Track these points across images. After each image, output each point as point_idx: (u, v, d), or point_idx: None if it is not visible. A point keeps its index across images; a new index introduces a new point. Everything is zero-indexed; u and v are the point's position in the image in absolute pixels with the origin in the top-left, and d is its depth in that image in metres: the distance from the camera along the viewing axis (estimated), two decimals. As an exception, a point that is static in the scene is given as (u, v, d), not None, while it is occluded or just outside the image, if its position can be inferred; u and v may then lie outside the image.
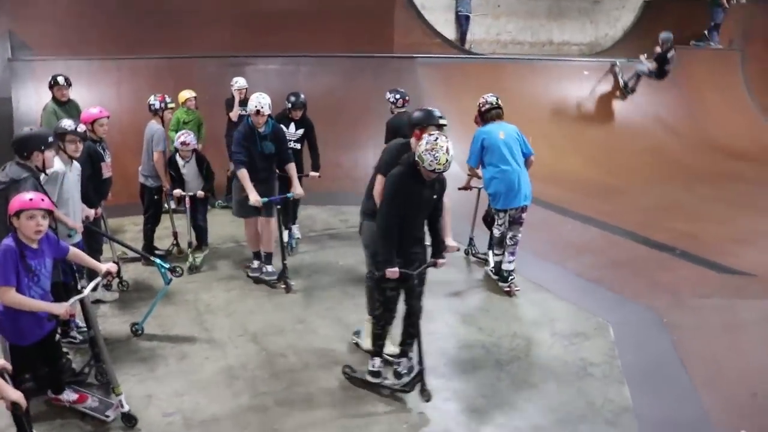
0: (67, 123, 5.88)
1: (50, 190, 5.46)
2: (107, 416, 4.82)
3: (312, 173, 8.28)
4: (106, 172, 6.77)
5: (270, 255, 7.44)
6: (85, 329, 5.97)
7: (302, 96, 8.23)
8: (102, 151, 6.66)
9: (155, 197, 7.92)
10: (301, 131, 8.29)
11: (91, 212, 6.26)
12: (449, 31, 17.86)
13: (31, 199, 4.22)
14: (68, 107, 8.47)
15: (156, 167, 7.74)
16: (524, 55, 17.95)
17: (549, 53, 19.14)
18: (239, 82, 9.96)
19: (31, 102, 10.74)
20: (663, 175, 11.85)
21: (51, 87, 8.52)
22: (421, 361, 5.04)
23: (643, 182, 11.40)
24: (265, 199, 6.89)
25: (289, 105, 8.15)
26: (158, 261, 6.01)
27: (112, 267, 4.86)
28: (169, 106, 8.02)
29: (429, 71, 13.34)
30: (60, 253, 4.60)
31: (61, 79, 8.53)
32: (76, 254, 4.79)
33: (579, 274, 7.59)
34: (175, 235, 8.26)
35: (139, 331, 6.13)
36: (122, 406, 4.78)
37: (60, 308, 4.34)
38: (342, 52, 13.00)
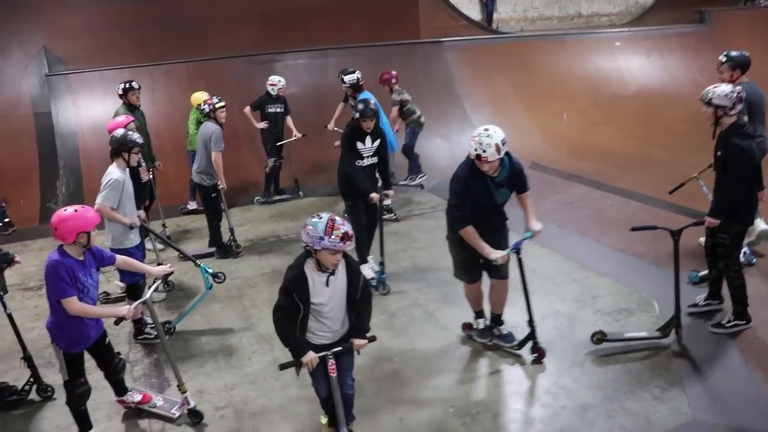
0: (137, 135, 6.18)
1: (113, 196, 5.70)
2: (173, 414, 4.97)
3: (387, 192, 7.15)
4: (144, 177, 7.01)
5: (500, 316, 5.78)
6: (153, 324, 6.26)
7: (373, 101, 6.98)
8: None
9: (213, 195, 8.10)
10: (377, 143, 6.95)
11: (142, 213, 6.50)
12: (474, 12, 17.78)
13: (91, 217, 4.40)
14: (138, 113, 8.61)
15: (215, 166, 7.91)
16: (553, 30, 17.76)
17: (578, 26, 18.89)
18: (281, 81, 10.14)
19: (70, 114, 11.09)
20: (703, 144, 11.55)
21: (125, 92, 8.56)
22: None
23: (683, 152, 11.16)
24: (508, 250, 5.28)
25: (357, 115, 6.79)
26: (203, 266, 6.14)
27: (168, 269, 5.04)
28: (218, 105, 8.07)
29: (457, 54, 13.28)
30: (106, 263, 4.74)
31: (135, 84, 8.64)
32: (126, 261, 4.96)
33: (621, 250, 7.51)
34: (231, 231, 8.43)
35: (171, 330, 6.26)
36: (188, 402, 4.93)
37: (125, 311, 4.51)
38: (369, 42, 13.04)
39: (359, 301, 4.15)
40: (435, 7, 15.66)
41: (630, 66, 14.50)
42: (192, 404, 4.93)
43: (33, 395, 5.28)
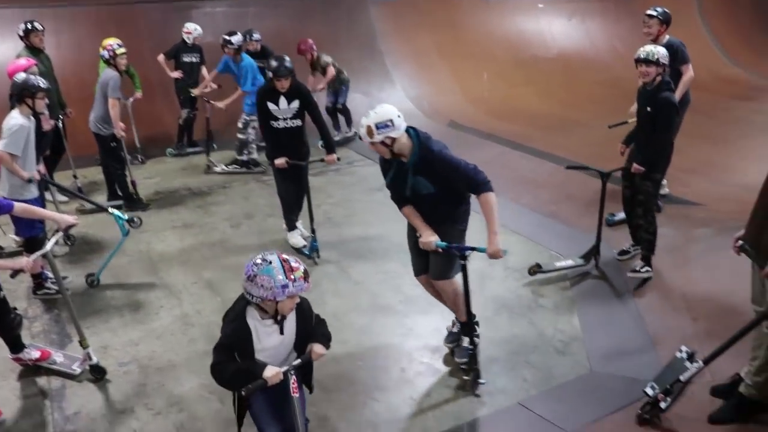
0: (41, 79, 5.73)
1: (16, 143, 5.35)
2: (74, 370, 4.80)
3: (328, 157, 6.63)
4: (45, 126, 6.60)
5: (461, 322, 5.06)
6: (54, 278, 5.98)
7: (287, 60, 6.33)
8: None
9: (112, 144, 7.74)
10: (296, 104, 6.35)
11: (41, 167, 6.11)
12: (401, -32, 17.48)
13: None
14: (42, 57, 8.01)
15: (111, 113, 7.51)
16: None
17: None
18: (197, 29, 9.81)
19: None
20: (620, 108, 11.86)
21: (27, 34, 7.90)
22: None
23: (600, 115, 11.42)
24: (440, 243, 4.55)
25: (271, 74, 6.34)
26: (116, 213, 5.91)
27: (72, 219, 4.73)
28: (118, 52, 7.69)
29: (381, 10, 13.13)
30: (2, 211, 4.47)
31: (39, 25, 7.97)
32: (26, 209, 4.65)
33: (534, 209, 7.67)
34: (133, 184, 8.13)
35: (95, 282, 6.08)
36: (90, 358, 4.77)
37: (24, 262, 4.27)
38: (291, -6, 12.67)
39: (314, 330, 3.48)
40: (360, -40, 15.35)
41: (552, 29, 14.70)
42: (94, 360, 4.77)
43: None
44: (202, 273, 6.34)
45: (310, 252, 6.63)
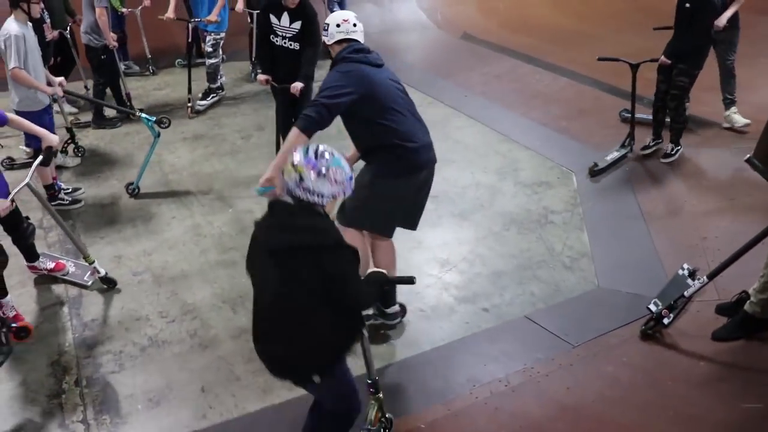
0: None
1: (16, 57, 5.27)
2: (86, 281, 4.90)
3: (292, 85, 5.81)
4: (48, 35, 6.45)
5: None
6: (71, 190, 6.04)
7: None
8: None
9: (102, 56, 7.47)
10: (297, 25, 5.82)
11: (63, 81, 5.89)
12: None
13: None
14: None
15: (99, 23, 7.20)
16: None
17: None
18: None
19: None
20: (637, 22, 11.50)
21: None
22: None
23: (616, 29, 11.11)
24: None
25: None
26: (144, 115, 5.96)
27: (56, 139, 4.64)
28: None
29: None
30: None
31: None
32: (18, 122, 4.57)
33: (545, 124, 7.59)
34: (128, 96, 8.05)
35: (136, 190, 6.15)
36: (98, 271, 4.85)
37: (2, 204, 4.17)
38: None
39: None
40: None
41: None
42: (102, 272, 4.86)
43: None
44: (213, 184, 6.37)
45: None
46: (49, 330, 4.47)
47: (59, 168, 6.48)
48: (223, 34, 8.08)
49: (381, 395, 3.29)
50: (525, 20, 11.74)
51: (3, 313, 4.36)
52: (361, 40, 4.03)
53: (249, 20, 9.06)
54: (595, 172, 6.36)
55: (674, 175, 6.24)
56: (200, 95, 8.33)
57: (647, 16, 11.74)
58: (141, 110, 6.65)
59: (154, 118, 6.08)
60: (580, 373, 4.03)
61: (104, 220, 5.81)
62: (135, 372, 4.11)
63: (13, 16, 5.42)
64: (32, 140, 5.55)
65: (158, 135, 6.12)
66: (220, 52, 8.35)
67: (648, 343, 4.20)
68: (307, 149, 2.77)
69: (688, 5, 6.04)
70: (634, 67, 6.45)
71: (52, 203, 5.89)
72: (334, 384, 2.96)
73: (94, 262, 4.84)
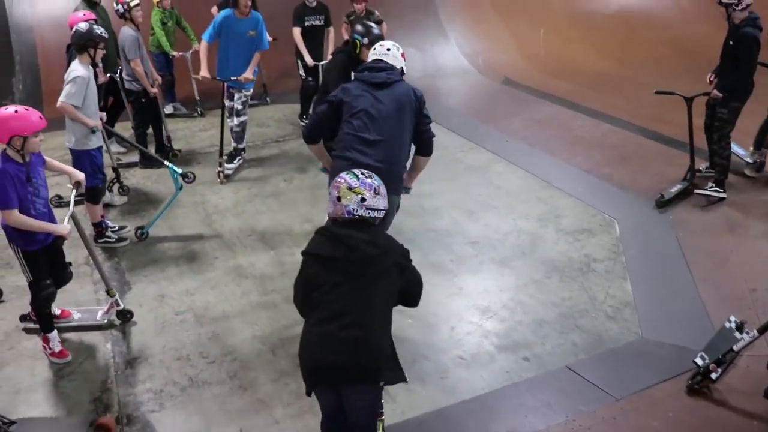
0: (102, 29, 5.81)
1: (78, 93, 5.49)
2: (100, 320, 4.95)
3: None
4: (101, 78, 6.72)
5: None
6: (117, 228, 6.21)
7: None
8: None
9: (143, 101, 7.71)
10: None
11: (103, 115, 6.20)
12: None
13: (40, 118, 4.18)
14: (99, 10, 7.94)
15: (136, 74, 7.43)
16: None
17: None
18: None
19: (26, 6, 10.44)
20: (679, 67, 11.48)
21: None
22: None
23: (658, 74, 11.09)
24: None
25: None
26: (171, 166, 6.02)
27: (79, 176, 4.72)
28: (132, 4, 7.47)
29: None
30: (42, 162, 4.56)
31: None
32: (51, 164, 4.67)
33: (587, 171, 7.54)
34: (168, 139, 8.25)
35: (144, 236, 6.21)
36: (118, 305, 4.93)
37: (64, 229, 4.38)
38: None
39: None
40: None
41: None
42: (121, 305, 4.95)
43: None
44: (256, 226, 6.45)
45: None
46: (91, 367, 4.53)
47: (106, 206, 6.64)
48: (251, 91, 7.90)
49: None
50: (566, 66, 11.78)
51: (49, 348, 4.51)
52: (390, 60, 4.55)
53: (305, 75, 8.93)
54: (661, 204, 6.51)
55: (721, 222, 6.14)
56: (226, 158, 7.66)
57: (689, 61, 11.74)
58: (176, 152, 6.69)
59: (180, 171, 6.12)
60: (623, 428, 3.94)
61: (148, 258, 5.91)
62: (175, 411, 4.13)
63: (78, 59, 5.66)
64: (96, 180, 5.78)
65: (180, 188, 6.16)
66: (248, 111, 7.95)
67: (695, 399, 4.09)
68: (355, 174, 3.22)
69: (731, 42, 6.42)
70: (689, 101, 6.68)
71: (99, 240, 6.06)
72: (379, 394, 3.26)
73: (115, 295, 4.93)
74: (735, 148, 6.93)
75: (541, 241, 6.10)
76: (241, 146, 7.91)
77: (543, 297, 5.27)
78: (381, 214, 3.20)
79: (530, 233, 6.23)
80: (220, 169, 7.51)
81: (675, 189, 6.65)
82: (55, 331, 4.61)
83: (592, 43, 12.68)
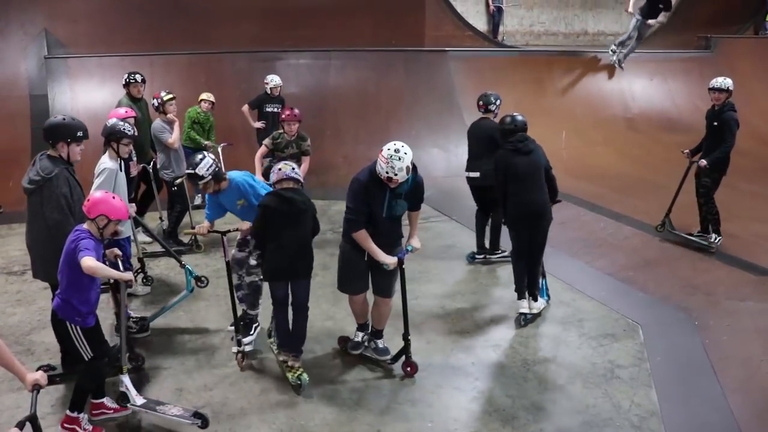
0: (127, 126, 6.14)
1: (105, 187, 5.67)
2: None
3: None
4: (133, 171, 6.99)
5: (381, 331, 5.74)
6: (138, 318, 6.25)
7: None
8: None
9: (173, 188, 8.12)
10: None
11: (132, 207, 6.49)
12: (481, 23, 17.79)
13: (126, 210, 4.75)
14: (141, 104, 8.55)
15: (170, 142, 7.98)
16: (558, 46, 17.75)
17: (583, 44, 18.89)
18: (274, 80, 10.07)
19: (66, 99, 10.99)
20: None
21: (127, 84, 8.54)
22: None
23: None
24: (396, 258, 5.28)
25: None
26: (187, 266, 6.08)
27: (125, 276, 4.82)
28: (166, 98, 8.12)
29: (460, 64, 13.28)
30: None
31: (138, 77, 8.57)
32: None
33: (610, 274, 7.51)
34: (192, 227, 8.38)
35: (146, 327, 6.17)
36: (125, 385, 4.92)
37: (128, 275, 4.81)
38: (373, 46, 13.00)
39: None
40: (441, 16, 15.57)
41: (633, 88, 14.55)
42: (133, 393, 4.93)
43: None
44: (276, 321, 6.43)
45: None
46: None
47: (129, 296, 6.68)
48: None
49: None
50: (588, 168, 11.92)
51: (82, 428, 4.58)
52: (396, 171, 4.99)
53: None
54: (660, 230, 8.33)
55: (749, 328, 6.03)
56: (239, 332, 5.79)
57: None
58: (200, 245, 6.72)
59: (196, 274, 6.20)
60: None
61: (168, 350, 5.90)
62: None
63: (107, 153, 5.91)
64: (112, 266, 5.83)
65: (191, 290, 6.13)
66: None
67: None
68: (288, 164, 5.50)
69: (716, 124, 7.77)
70: (690, 156, 8.26)
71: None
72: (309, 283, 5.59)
73: (126, 373, 4.94)
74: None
75: (564, 345, 6.01)
76: (253, 312, 6.18)
77: (566, 404, 5.15)
78: (302, 180, 5.43)
79: (553, 337, 6.16)
80: (239, 350, 5.69)
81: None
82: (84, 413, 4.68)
83: (614, 146, 12.91)
